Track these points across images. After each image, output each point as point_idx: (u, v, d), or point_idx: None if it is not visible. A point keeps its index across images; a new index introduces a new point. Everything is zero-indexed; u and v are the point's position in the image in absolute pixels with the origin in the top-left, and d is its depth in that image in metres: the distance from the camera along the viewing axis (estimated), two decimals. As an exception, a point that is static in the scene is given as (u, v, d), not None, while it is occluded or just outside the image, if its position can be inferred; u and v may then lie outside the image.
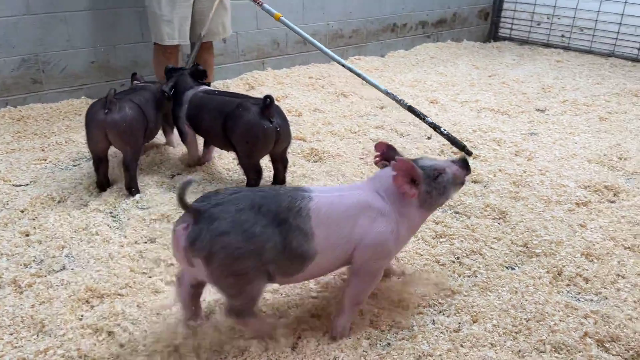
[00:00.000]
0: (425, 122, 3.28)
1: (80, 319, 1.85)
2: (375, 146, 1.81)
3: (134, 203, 2.61)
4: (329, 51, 3.64)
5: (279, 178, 2.82)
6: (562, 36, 6.09)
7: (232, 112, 2.60)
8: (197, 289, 1.73)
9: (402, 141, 3.45)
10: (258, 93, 4.29)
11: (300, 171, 3.00)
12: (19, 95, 3.69)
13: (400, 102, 3.34)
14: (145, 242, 2.33)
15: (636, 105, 4.18)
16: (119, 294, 1.98)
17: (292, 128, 3.62)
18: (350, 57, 5.43)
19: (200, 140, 3.02)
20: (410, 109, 3.29)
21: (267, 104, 2.52)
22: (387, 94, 3.39)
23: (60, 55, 3.78)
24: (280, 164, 2.79)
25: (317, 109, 4.06)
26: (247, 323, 1.67)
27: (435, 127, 3.24)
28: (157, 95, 2.87)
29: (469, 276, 2.12)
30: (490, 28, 6.65)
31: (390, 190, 1.67)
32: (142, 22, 4.07)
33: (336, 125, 3.70)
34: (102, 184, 2.72)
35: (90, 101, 3.89)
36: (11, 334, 1.79)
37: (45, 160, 3.06)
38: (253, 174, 2.68)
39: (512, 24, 6.47)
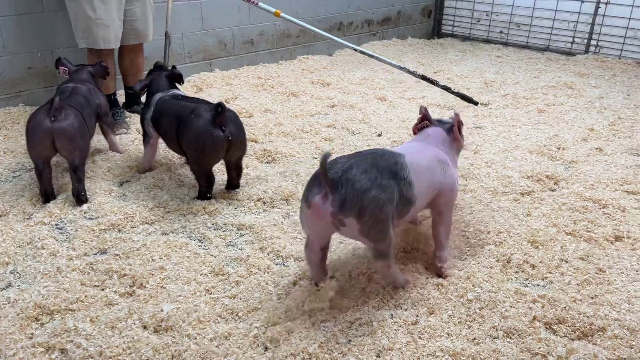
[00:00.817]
0: (438, 85, 3.92)
1: (31, 338, 1.77)
2: (421, 108, 2.25)
3: (81, 213, 2.52)
4: (339, 39, 4.01)
5: (232, 184, 2.79)
6: (501, 32, 6.34)
7: (185, 117, 2.55)
8: (324, 251, 2.00)
9: (353, 139, 3.49)
10: (206, 95, 4.23)
11: (253, 173, 2.99)
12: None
13: (413, 73, 3.94)
14: (96, 254, 2.25)
15: (571, 97, 4.41)
16: (70, 309, 1.90)
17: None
18: (298, 56, 5.44)
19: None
20: (424, 77, 3.89)
21: (219, 112, 2.48)
22: (400, 68, 3.95)
23: (-6, 61, 3.59)
24: (234, 171, 2.76)
25: (267, 109, 4.05)
26: (390, 264, 1.95)
27: (447, 89, 3.90)
28: (91, 98, 2.85)
29: (425, 268, 2.18)
30: (434, 25, 6.83)
31: (446, 144, 2.17)
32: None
33: (288, 126, 3.70)
34: (47, 192, 2.61)
35: (29, 108, 3.72)
36: (-46, 359, 1.70)
37: (-18, 172, 2.90)
38: (204, 180, 2.64)
39: (454, 21, 6.68)
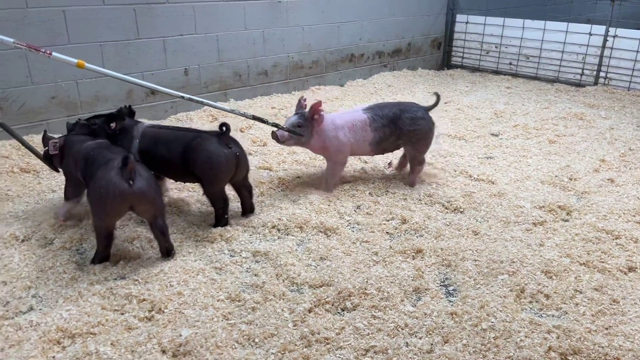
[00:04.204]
0: (268, 123, 2.98)
1: (52, 361, 1.81)
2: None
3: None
4: (174, 92, 2.95)
5: (247, 205, 2.86)
6: (510, 64, 6.45)
7: (191, 143, 2.64)
8: None
9: (365, 166, 3.55)
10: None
11: (268, 201, 3.05)
12: (-25, 132, 3.58)
13: (244, 114, 3.01)
14: (115, 279, 2.30)
15: (582, 128, 4.46)
16: (91, 333, 1.94)
17: (258, 158, 3.69)
18: (311, 86, 5.56)
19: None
20: (255, 118, 2.97)
21: (224, 131, 2.61)
22: (231, 111, 3.04)
23: (19, 91, 3.72)
24: (245, 189, 2.85)
25: (281, 138, 4.13)
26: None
27: (277, 126, 2.97)
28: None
29: (441, 298, 2.20)
30: (443, 56, 6.96)
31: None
32: (105, 56, 4.06)
33: (300, 154, 3.77)
34: (108, 257, 2.42)
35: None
36: (-22, 381, 1.74)
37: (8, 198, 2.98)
38: (220, 202, 2.71)
39: (464, 52, 6.80)
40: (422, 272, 2.37)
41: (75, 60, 2.66)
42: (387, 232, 2.74)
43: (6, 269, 2.30)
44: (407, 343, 1.93)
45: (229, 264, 2.42)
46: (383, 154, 3.31)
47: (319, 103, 2.95)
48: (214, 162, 2.61)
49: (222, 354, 1.86)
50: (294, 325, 2.03)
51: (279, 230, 2.74)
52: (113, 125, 2.72)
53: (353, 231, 2.74)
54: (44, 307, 2.09)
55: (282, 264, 2.41)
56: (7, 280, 2.23)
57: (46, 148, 2.72)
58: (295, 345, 1.91)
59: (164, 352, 1.88)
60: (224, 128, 2.61)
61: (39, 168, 3.37)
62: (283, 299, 2.18)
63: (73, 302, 2.11)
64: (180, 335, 1.93)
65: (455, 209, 2.99)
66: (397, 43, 6.37)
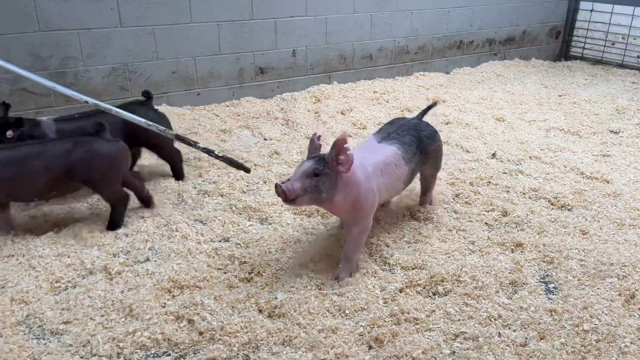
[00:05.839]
0: (197, 147, 2.68)
1: (164, 306, 2.01)
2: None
3: (213, 204, 2.78)
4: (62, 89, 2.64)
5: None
6: (638, 57, 5.87)
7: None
8: None
9: (466, 157, 3.46)
10: (324, 106, 4.43)
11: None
12: (108, 101, 3.98)
13: (164, 132, 2.68)
14: (220, 241, 2.47)
15: None
16: (197, 286, 2.12)
17: (357, 141, 3.73)
18: (415, 72, 5.48)
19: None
20: (178, 137, 2.70)
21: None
22: (148, 125, 2.64)
23: (145, 65, 4.08)
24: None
25: (381, 122, 4.13)
26: None
27: (209, 152, 2.68)
28: None
29: (539, 294, 2.11)
30: (562, 47, 6.50)
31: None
32: (221, 34, 4.31)
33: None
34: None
35: (170, 108, 4.16)
36: (102, 316, 1.97)
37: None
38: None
39: (585, 43, 6.30)
40: (521, 266, 2.28)
41: None
42: (485, 223, 2.67)
43: (130, 224, 2.57)
44: (499, 333, 1.89)
45: (325, 238, 2.50)
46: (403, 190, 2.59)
47: (343, 138, 1.99)
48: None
49: (313, 320, 1.94)
50: (384, 303, 2.06)
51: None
52: (10, 133, 2.46)
53: (450, 219, 2.70)
54: (158, 260, 2.31)
55: (376, 244, 2.44)
56: (129, 233, 2.49)
57: None
58: (385, 321, 1.94)
59: (260, 311, 2.00)
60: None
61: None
62: (375, 277, 2.22)
63: (183, 257, 2.32)
64: (276, 298, 2.04)
65: (562, 206, 2.83)
66: (511, 31, 6.05)
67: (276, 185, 1.98)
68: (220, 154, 2.67)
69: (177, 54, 4.18)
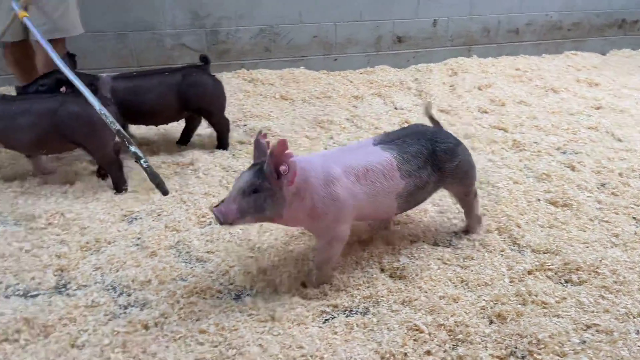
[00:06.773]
0: (129, 148, 2.42)
1: (292, 251, 2.15)
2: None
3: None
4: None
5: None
6: None
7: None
8: None
9: (618, 145, 3.15)
10: (460, 79, 4.29)
11: (502, 162, 2.96)
12: (252, 60, 4.26)
13: (110, 123, 2.42)
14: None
15: None
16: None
17: (494, 117, 3.58)
18: (566, 51, 5.06)
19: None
20: (119, 133, 2.43)
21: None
22: (100, 111, 2.41)
23: (289, 28, 4.25)
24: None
25: (522, 101, 3.91)
26: None
27: (138, 158, 2.42)
28: None
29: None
30: None
31: None
32: (363, 2, 4.33)
33: (542, 120, 3.53)
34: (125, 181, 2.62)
35: (307, 72, 4.31)
36: (238, 252, 2.16)
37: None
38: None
39: None
40: (673, 267, 2.06)
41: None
42: (633, 217, 2.44)
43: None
44: (637, 331, 1.74)
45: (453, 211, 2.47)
46: (410, 209, 2.17)
47: (282, 143, 1.64)
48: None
49: (435, 286, 1.95)
50: (510, 282, 2.00)
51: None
52: (63, 89, 2.53)
53: (592, 208, 2.51)
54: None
55: (505, 222, 2.35)
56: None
57: None
58: (509, 299, 1.89)
59: (382, 270, 2.06)
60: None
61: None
62: (502, 255, 2.15)
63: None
64: (399, 261, 2.08)
65: None
66: (688, 10, 5.29)
67: (210, 208, 1.65)
68: (145, 165, 2.39)
69: (320, 18, 4.29)
